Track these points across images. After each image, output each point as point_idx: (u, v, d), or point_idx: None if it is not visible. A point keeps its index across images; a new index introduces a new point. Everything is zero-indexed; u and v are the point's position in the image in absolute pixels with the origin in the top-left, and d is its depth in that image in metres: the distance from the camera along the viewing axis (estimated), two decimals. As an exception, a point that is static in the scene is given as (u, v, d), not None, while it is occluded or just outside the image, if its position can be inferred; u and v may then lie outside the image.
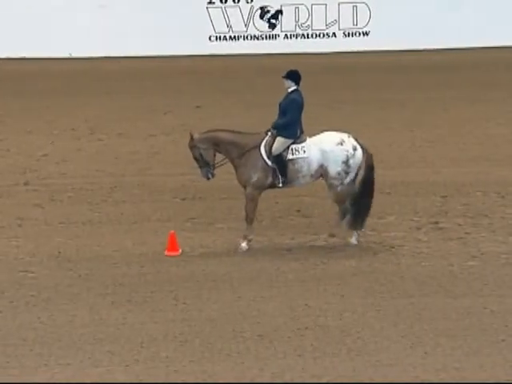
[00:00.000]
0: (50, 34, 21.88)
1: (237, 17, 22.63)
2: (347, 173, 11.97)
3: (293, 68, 12.39)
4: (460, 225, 12.79)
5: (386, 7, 22.36)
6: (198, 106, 18.81)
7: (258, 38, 22.72)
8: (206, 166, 12.34)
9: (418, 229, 12.57)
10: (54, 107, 18.91)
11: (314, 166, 12.04)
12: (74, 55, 22.05)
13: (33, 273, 11.68)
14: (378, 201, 13.60)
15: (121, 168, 15.47)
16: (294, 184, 12.30)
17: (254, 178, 12.17)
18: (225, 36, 22.70)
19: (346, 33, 22.67)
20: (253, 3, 22.70)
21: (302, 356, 9.64)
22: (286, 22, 22.69)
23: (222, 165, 12.36)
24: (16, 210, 13.71)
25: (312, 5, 22.58)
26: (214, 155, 12.32)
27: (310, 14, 22.63)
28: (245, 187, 12.34)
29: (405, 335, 9.95)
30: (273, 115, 19.69)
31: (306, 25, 22.69)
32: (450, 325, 10.13)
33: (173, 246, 12.20)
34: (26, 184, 14.82)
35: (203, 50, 22.22)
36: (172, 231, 12.25)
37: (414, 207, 13.14)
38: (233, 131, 12.39)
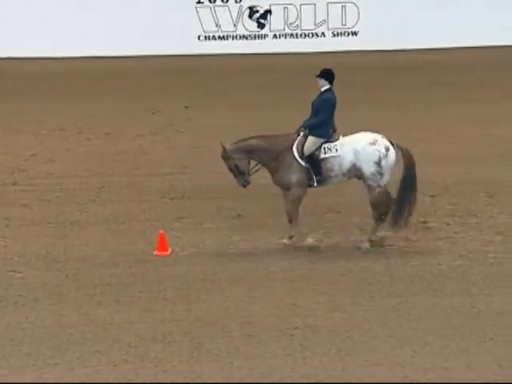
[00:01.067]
0: (38, 33, 21.83)
1: (226, 16, 22.64)
2: (381, 174, 11.84)
3: (327, 67, 12.27)
4: (448, 224, 12.81)
5: (374, 7, 22.40)
6: (186, 106, 18.79)
7: (246, 38, 22.73)
8: (241, 175, 12.24)
9: (406, 229, 12.57)
10: (42, 107, 18.86)
11: (346, 164, 11.94)
12: (62, 55, 21.99)
13: (20, 273, 11.64)
14: (366, 200, 13.62)
15: (109, 168, 15.44)
16: (328, 183, 12.21)
17: (294, 178, 12.08)
18: (214, 36, 22.70)
19: (335, 33, 22.70)
20: (242, 3, 22.71)
21: (291, 356, 9.63)
22: (275, 22, 22.71)
23: (257, 171, 12.24)
24: (4, 210, 13.67)
25: (301, 5, 22.62)
26: (249, 163, 12.22)
27: (299, 14, 22.65)
28: (286, 189, 12.21)
29: (393, 335, 9.96)
30: (261, 115, 19.72)
31: (295, 25, 22.72)
32: (438, 324, 10.14)
33: (162, 246, 12.18)
34: (14, 184, 14.78)
35: (192, 50, 22.22)
36: (161, 231, 12.23)
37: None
38: (263, 136, 12.28)
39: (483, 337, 9.84)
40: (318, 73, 12.16)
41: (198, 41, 22.60)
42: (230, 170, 12.29)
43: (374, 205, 12.02)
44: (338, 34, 22.67)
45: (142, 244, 12.42)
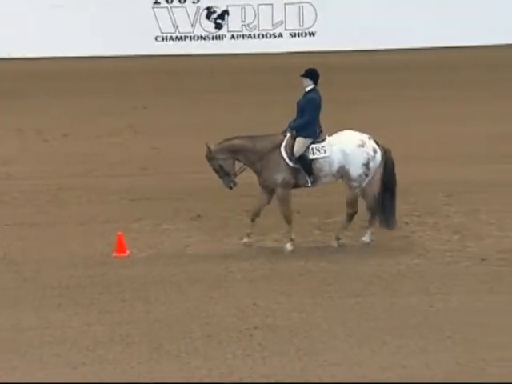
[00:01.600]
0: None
1: (183, 17, 22.59)
2: (367, 175, 11.94)
3: (311, 66, 12.23)
4: (407, 223, 12.91)
5: (331, 8, 22.49)
6: (144, 107, 18.73)
7: (204, 39, 22.70)
8: (226, 175, 12.14)
9: (365, 228, 12.65)
10: (-2, 108, 18.69)
11: (335, 165, 11.98)
12: (20, 56, 21.80)
13: (-23, 276, 11.53)
14: (325, 201, 13.69)
15: (67, 169, 15.34)
16: (319, 183, 12.23)
17: (280, 178, 12.06)
18: (171, 36, 22.64)
19: (293, 33, 22.76)
20: (199, 3, 22.67)
21: (250, 356, 9.65)
22: (233, 23, 22.71)
23: (242, 171, 12.18)
24: (-40, 212, 13.52)
25: (258, 5, 22.64)
26: (234, 164, 12.14)
27: (257, 15, 22.67)
28: (272, 190, 12.19)
29: (352, 334, 10.01)
30: (220, 115, 19.67)
31: (253, 25, 22.73)
32: (396, 323, 10.21)
33: (121, 248, 12.12)
34: (-30, 185, 14.63)
35: (149, 51, 22.14)
36: (120, 232, 12.17)
37: (361, 207, 13.23)
38: (249, 136, 12.21)
39: (441, 335, 9.93)
40: (302, 72, 12.14)
41: (155, 41, 22.52)
42: (215, 170, 12.17)
43: (350, 203, 12.11)
44: (295, 34, 22.73)
45: (100, 246, 12.35)
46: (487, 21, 21.90)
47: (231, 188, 12.31)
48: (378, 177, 12.06)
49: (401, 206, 13.37)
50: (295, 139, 12.05)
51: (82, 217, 13.38)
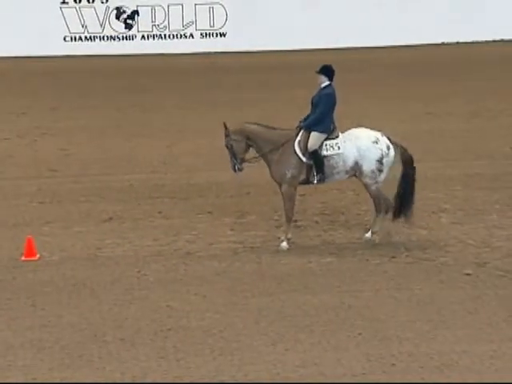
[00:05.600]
0: None
1: (92, 17, 22.37)
2: (380, 171, 11.96)
3: (327, 63, 12.19)
4: (317, 222, 13.04)
5: (241, 9, 22.57)
6: (53, 108, 18.48)
7: (114, 39, 22.53)
8: (234, 157, 12.06)
9: (278, 227, 12.73)
10: None
11: (350, 162, 11.95)
12: None
13: None
14: (237, 201, 13.73)
15: (-26, 172, 15.04)
16: (328, 180, 12.16)
17: (289, 174, 11.97)
18: (80, 36, 22.40)
19: (203, 34, 22.76)
20: (108, 3, 22.49)
21: (164, 358, 9.61)
22: (143, 23, 22.59)
23: (255, 162, 12.09)
24: None
25: (168, 5, 22.57)
26: (245, 149, 12.05)
27: (167, 15, 22.60)
28: (280, 184, 12.10)
29: (266, 333, 10.07)
30: (130, 116, 19.48)
31: (163, 25, 22.66)
32: (309, 321, 10.31)
33: (30, 251, 11.93)
34: None
35: (58, 51, 21.86)
36: (29, 236, 11.98)
37: (274, 206, 13.31)
38: (267, 126, 12.13)
39: (352, 332, 10.05)
40: (317, 69, 12.11)
41: (63, 42, 22.25)
42: (227, 147, 12.16)
43: (376, 199, 12.12)
44: (206, 35, 22.73)
45: (9, 250, 12.14)
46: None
47: (235, 171, 12.25)
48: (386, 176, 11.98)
49: (312, 205, 13.51)
50: (309, 134, 11.98)
51: (-10, 221, 13.13)
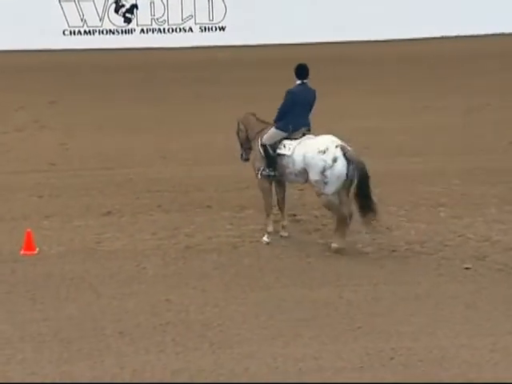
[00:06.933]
0: None
1: (91, 11, 22.34)
2: (325, 183, 11.58)
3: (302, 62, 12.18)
4: (316, 217, 13.04)
5: (241, 2, 22.55)
6: (52, 102, 18.47)
7: (113, 33, 22.50)
8: (240, 144, 12.41)
9: (276, 222, 12.74)
10: None
11: (298, 167, 11.80)
12: None
13: None
14: (236, 195, 13.73)
15: (-27, 166, 15.05)
16: (285, 178, 12.09)
17: (257, 167, 12.05)
18: (79, 30, 22.36)
19: (203, 28, 22.74)
20: (107, -3, 22.46)
21: (163, 352, 9.62)
22: (142, 17, 22.57)
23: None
24: None
25: (167, -1, 22.54)
26: (247, 138, 12.31)
27: (166, 9, 22.58)
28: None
29: (266, 327, 10.08)
30: (132, 110, 19.46)
31: (162, 19, 22.63)
32: (308, 315, 10.32)
33: (29, 245, 11.94)
34: None
35: (57, 45, 21.83)
36: (28, 229, 11.99)
37: (272, 200, 13.32)
38: (258, 119, 12.30)
39: (351, 326, 10.07)
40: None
41: (63, 36, 22.22)
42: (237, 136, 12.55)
43: (328, 208, 11.94)
44: (205, 28, 22.72)
45: (8, 244, 12.14)
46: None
47: (241, 158, 12.52)
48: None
49: (310, 199, 13.51)
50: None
51: (-11, 215, 13.14)
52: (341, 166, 11.55)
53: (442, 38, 22.45)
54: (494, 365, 9.37)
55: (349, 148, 11.69)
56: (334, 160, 11.57)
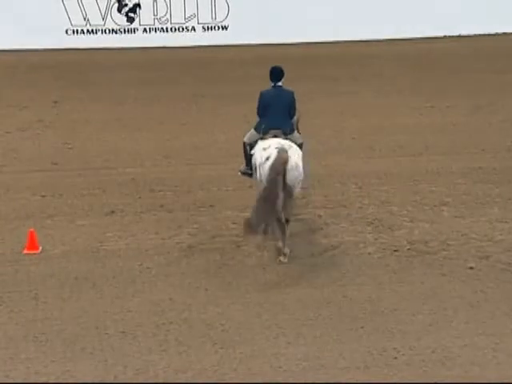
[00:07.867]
0: None
1: (94, 10, 22.34)
2: (261, 181, 11.57)
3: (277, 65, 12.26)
4: (320, 216, 13.04)
5: (243, 1, 22.54)
6: (55, 101, 18.47)
7: (116, 32, 22.50)
8: None
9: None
10: None
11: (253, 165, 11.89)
12: None
13: None
14: (239, 194, 13.72)
15: (-24, 165, 15.05)
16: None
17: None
18: (82, 29, 22.37)
19: (205, 27, 22.74)
20: (110, -4, 22.46)
21: (166, 351, 9.62)
22: (145, 16, 22.57)
23: None
24: None
25: (170, -2, 22.53)
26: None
27: (169, 8, 22.57)
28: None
29: (268, 326, 10.08)
30: (135, 109, 19.50)
31: (165, 19, 22.63)
32: (311, 314, 10.32)
33: (32, 245, 11.95)
34: None
35: (60, 44, 21.83)
36: (31, 229, 11.99)
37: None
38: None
39: (354, 325, 10.06)
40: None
41: (65, 35, 22.23)
42: None
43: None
44: (208, 28, 22.71)
45: (11, 243, 12.15)
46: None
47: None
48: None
49: (314, 198, 13.51)
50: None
51: (-8, 214, 13.14)
52: (267, 167, 11.50)
53: (445, 37, 22.45)
54: (497, 364, 9.36)
55: (288, 154, 11.48)
56: (267, 158, 11.61)
